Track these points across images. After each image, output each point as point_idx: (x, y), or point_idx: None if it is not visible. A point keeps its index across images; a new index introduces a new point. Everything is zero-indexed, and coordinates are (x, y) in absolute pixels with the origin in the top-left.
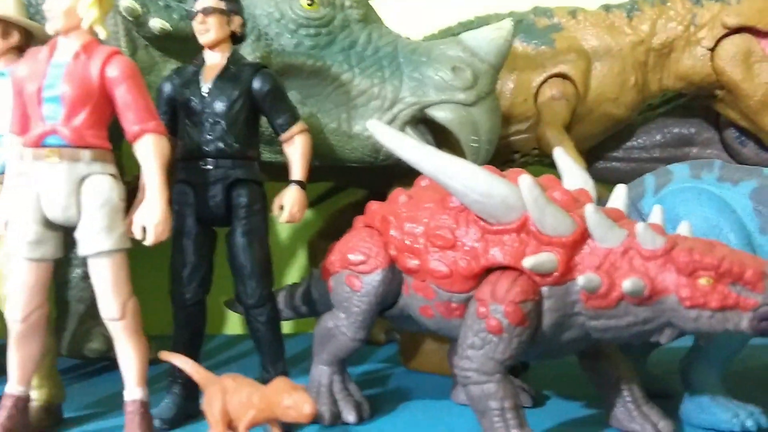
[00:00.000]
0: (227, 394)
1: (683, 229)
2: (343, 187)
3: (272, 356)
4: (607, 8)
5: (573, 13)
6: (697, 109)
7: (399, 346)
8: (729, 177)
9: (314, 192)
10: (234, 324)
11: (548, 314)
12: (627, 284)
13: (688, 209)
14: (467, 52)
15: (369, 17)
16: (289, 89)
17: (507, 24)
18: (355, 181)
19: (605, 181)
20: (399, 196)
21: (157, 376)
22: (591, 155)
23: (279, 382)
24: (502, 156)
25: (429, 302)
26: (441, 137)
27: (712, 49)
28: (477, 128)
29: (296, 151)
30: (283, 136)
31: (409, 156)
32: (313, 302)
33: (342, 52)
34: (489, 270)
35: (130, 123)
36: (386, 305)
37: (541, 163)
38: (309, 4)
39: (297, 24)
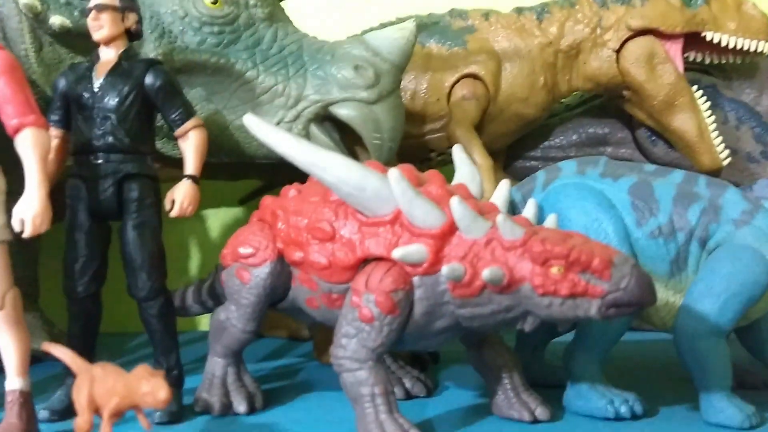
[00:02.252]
0: (95, 383)
1: (549, 221)
2: (272, 186)
3: (164, 348)
4: (519, 11)
5: (486, 15)
6: (611, 110)
7: (313, 340)
8: (611, 173)
9: (245, 190)
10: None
11: (419, 303)
12: (487, 273)
13: (570, 203)
14: (370, 51)
15: (275, 16)
16: (194, 86)
17: (410, 24)
18: (280, 179)
19: None
20: (289, 190)
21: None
22: (510, 155)
23: (139, 370)
24: (420, 155)
25: (313, 294)
26: (348, 135)
27: (618, 51)
28: (379, 126)
29: (190, 146)
30: (178, 131)
31: (284, 150)
32: (218, 296)
33: (246, 50)
34: (367, 261)
35: (9, 117)
36: (277, 298)
37: None
38: (213, 3)
39: (201, 22)
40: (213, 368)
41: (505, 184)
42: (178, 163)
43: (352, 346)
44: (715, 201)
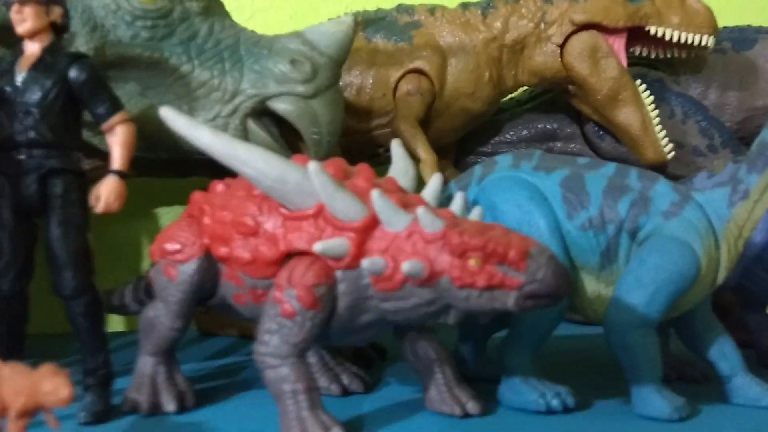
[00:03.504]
0: (2, 383)
1: (474, 214)
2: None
3: (91, 348)
4: (465, 6)
5: (432, 10)
6: (560, 105)
7: None
8: (544, 166)
9: (199, 187)
10: None
11: (343, 297)
12: (406, 266)
13: (503, 197)
14: (307, 45)
15: (211, 10)
16: (128, 81)
17: (347, 18)
18: (228, 175)
19: None
20: (217, 185)
21: None
22: (461, 150)
23: (43, 369)
24: (368, 150)
25: (240, 290)
26: (290, 130)
27: (562, 46)
28: (317, 120)
29: (117, 141)
30: (104, 126)
31: (203, 143)
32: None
33: (181, 44)
34: (291, 256)
35: None
36: (205, 294)
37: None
38: None
39: (133, 15)
40: (143, 367)
41: (436, 178)
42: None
43: (274, 342)
44: (646, 193)
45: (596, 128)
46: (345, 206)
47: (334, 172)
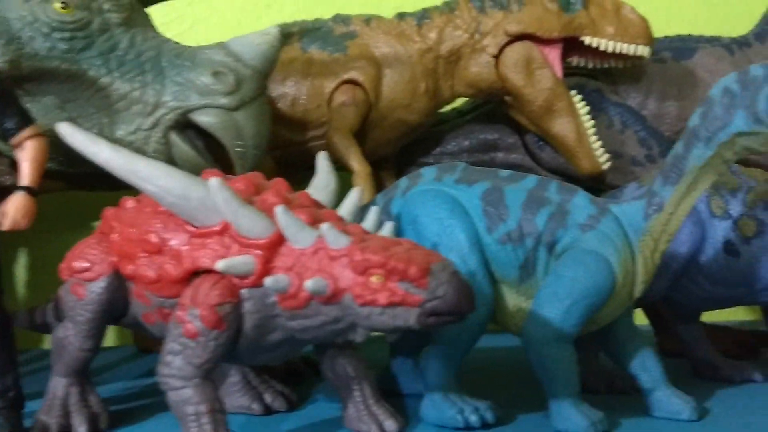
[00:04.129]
0: None
1: (385, 229)
2: None
3: (0, 369)
4: (401, 16)
5: (368, 20)
6: (501, 115)
7: None
8: (466, 179)
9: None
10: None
11: (249, 316)
12: (309, 284)
13: (425, 210)
14: (231, 56)
15: (133, 20)
16: (46, 94)
17: (273, 29)
18: None
19: None
20: (128, 201)
21: None
22: (402, 161)
23: None
24: (305, 162)
25: (148, 308)
26: (217, 143)
27: (497, 57)
28: (241, 133)
29: (26, 156)
30: (13, 141)
31: (102, 159)
32: None
33: (101, 56)
34: (198, 274)
35: None
36: (117, 313)
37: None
38: (63, 8)
39: (50, 27)
40: (54, 388)
41: (354, 192)
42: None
43: (177, 363)
44: (564, 206)
45: (536, 139)
46: (249, 222)
47: (244, 186)
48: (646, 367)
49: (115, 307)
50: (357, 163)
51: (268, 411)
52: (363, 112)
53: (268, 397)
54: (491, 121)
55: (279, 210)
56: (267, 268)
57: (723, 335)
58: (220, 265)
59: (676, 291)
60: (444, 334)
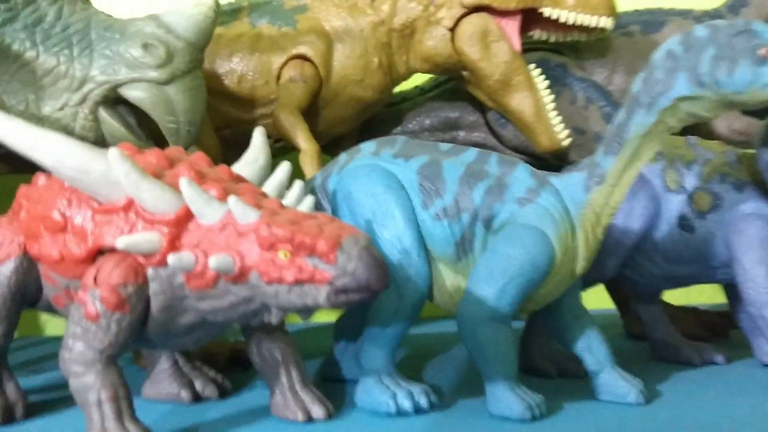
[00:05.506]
0: None
1: (304, 204)
2: None
3: None
4: None
5: None
6: (463, 93)
7: None
8: (404, 153)
9: None
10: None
11: (156, 298)
12: (213, 261)
13: (359, 186)
14: (163, 28)
15: None
16: None
17: (208, 1)
18: None
19: None
20: (40, 177)
21: None
22: (362, 140)
23: None
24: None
25: (56, 290)
26: (150, 119)
27: (452, 30)
28: (173, 108)
29: None
30: None
31: None
32: None
33: (25, 29)
34: (103, 253)
35: None
36: (30, 297)
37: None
38: None
39: None
40: None
41: (283, 167)
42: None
43: (78, 348)
44: (503, 179)
45: (498, 116)
46: (154, 197)
47: (155, 160)
48: (591, 349)
49: (26, 290)
50: (304, 141)
51: (197, 398)
52: (313, 89)
53: (198, 384)
54: (453, 99)
55: (183, 182)
56: (174, 246)
57: (690, 317)
58: (120, 242)
59: (631, 269)
60: (378, 315)
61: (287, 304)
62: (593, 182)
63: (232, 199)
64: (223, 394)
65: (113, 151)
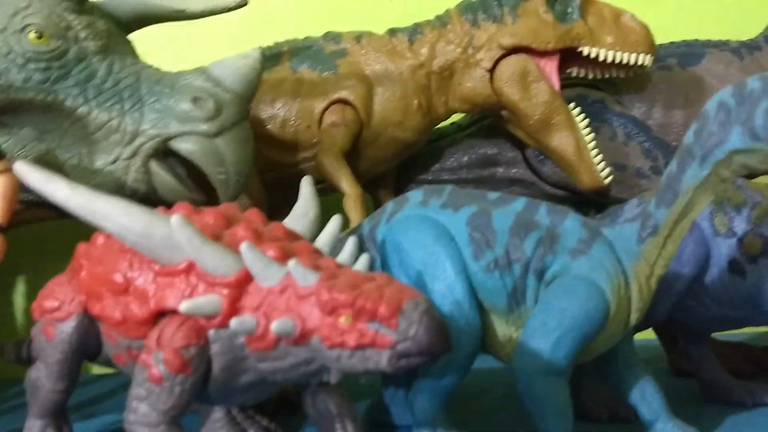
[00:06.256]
0: None
1: (360, 263)
2: None
3: None
4: (392, 32)
5: (358, 38)
6: (501, 129)
7: None
8: (453, 203)
9: None
10: None
11: (217, 359)
12: (275, 325)
13: (409, 237)
14: (211, 81)
15: (111, 48)
16: (24, 125)
17: (254, 52)
18: None
19: None
20: (99, 237)
21: None
22: (401, 179)
23: None
24: (297, 185)
25: (118, 349)
26: (198, 170)
27: (491, 71)
28: (223, 160)
29: None
30: None
31: (59, 198)
32: None
33: (77, 85)
34: (165, 315)
35: None
36: (90, 353)
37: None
38: (38, 38)
39: (26, 58)
40: (29, 430)
41: (333, 221)
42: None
43: (143, 410)
44: (554, 230)
45: (537, 153)
46: (214, 260)
47: (213, 220)
48: (646, 398)
49: (86, 346)
50: (347, 185)
51: None
52: (354, 132)
53: None
54: (491, 136)
55: (244, 247)
56: (234, 308)
57: (734, 352)
58: (182, 306)
59: (681, 312)
60: (431, 367)
61: (349, 367)
62: (646, 234)
63: (291, 263)
64: None
65: (175, 217)
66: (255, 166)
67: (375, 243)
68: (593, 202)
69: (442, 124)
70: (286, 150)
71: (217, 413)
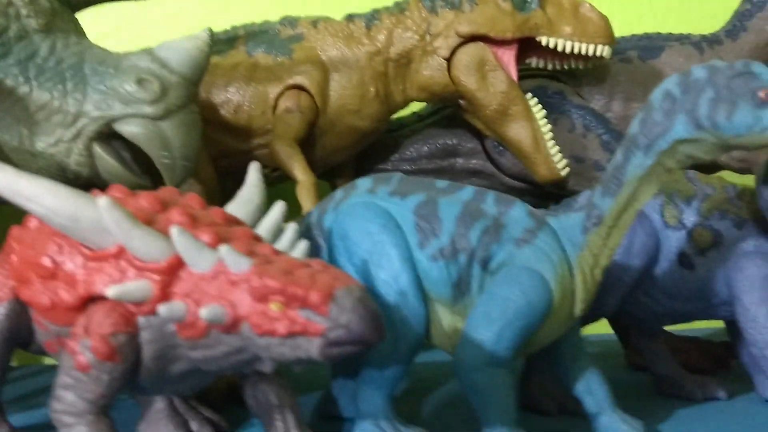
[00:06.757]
0: None
1: (298, 249)
2: None
3: None
4: (350, 18)
5: (315, 23)
6: (461, 119)
7: None
8: (401, 191)
9: None
10: None
11: (147, 346)
12: (205, 312)
13: (355, 225)
14: (157, 63)
15: (54, 26)
16: None
17: (203, 34)
18: None
19: None
20: (31, 219)
21: None
22: (360, 168)
23: None
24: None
25: (49, 337)
26: (145, 154)
27: (449, 59)
28: (168, 143)
29: None
30: None
31: None
32: None
33: (18, 64)
34: (95, 301)
35: None
36: (22, 341)
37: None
38: None
39: None
40: None
41: (277, 207)
42: None
43: (69, 399)
44: (500, 219)
45: (496, 144)
46: (144, 245)
47: (148, 203)
48: (591, 391)
49: (18, 334)
50: (300, 173)
51: None
52: (309, 119)
53: (194, 425)
54: (451, 126)
55: (174, 231)
56: (165, 294)
57: (692, 347)
58: (111, 291)
59: (632, 305)
60: (374, 357)
61: (279, 356)
62: (591, 224)
63: (223, 248)
64: None
65: (103, 200)
66: (208, 153)
67: (322, 230)
68: (552, 194)
69: (402, 113)
70: (239, 136)
71: (159, 404)
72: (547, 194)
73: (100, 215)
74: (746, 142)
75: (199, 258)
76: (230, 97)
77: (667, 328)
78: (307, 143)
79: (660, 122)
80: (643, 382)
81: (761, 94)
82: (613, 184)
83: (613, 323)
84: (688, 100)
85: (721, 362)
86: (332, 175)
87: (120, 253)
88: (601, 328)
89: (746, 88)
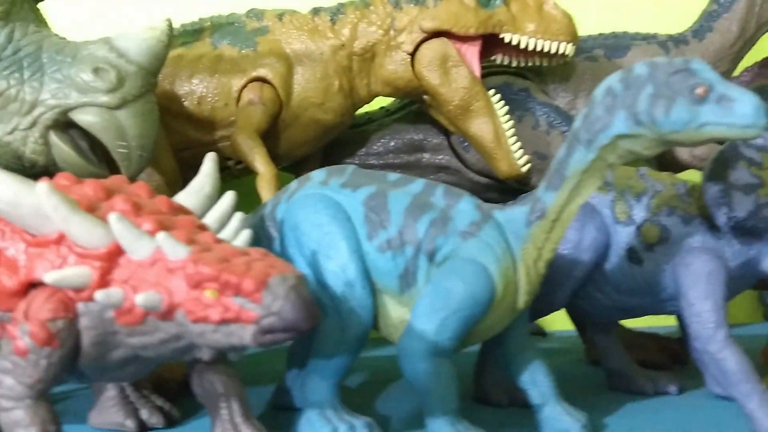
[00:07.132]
0: None
1: (240, 238)
2: None
3: None
4: (315, 11)
5: (281, 16)
6: (429, 115)
7: None
8: (352, 183)
9: None
10: None
11: (86, 333)
12: (140, 298)
13: (305, 216)
14: (114, 52)
15: (12, 14)
16: None
17: (162, 24)
18: None
19: None
20: None
21: None
22: (327, 163)
23: None
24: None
25: None
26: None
27: (413, 54)
28: (124, 133)
29: None
30: None
31: None
32: None
33: None
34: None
35: None
36: None
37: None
38: None
39: None
40: None
41: (227, 197)
42: None
43: (8, 383)
44: (447, 212)
45: (461, 140)
46: (84, 231)
47: (92, 191)
48: (536, 382)
49: None
50: (261, 165)
51: (143, 428)
52: (272, 112)
53: (144, 413)
54: (418, 121)
55: (112, 218)
56: (104, 281)
57: (649, 342)
58: (48, 277)
59: (584, 300)
60: (321, 347)
61: (214, 343)
62: (534, 217)
63: (161, 235)
64: (170, 422)
65: (42, 185)
66: (170, 143)
67: (275, 221)
68: (517, 190)
69: (370, 108)
70: (202, 128)
71: (110, 392)
72: (512, 190)
73: (40, 201)
74: (683, 138)
75: (137, 245)
76: (194, 89)
77: (627, 323)
78: (271, 136)
79: (601, 117)
80: (599, 376)
81: (699, 91)
82: (556, 179)
83: (572, 319)
84: (628, 96)
85: (677, 358)
86: (299, 168)
87: (61, 240)
88: (565, 324)
89: (684, 85)
